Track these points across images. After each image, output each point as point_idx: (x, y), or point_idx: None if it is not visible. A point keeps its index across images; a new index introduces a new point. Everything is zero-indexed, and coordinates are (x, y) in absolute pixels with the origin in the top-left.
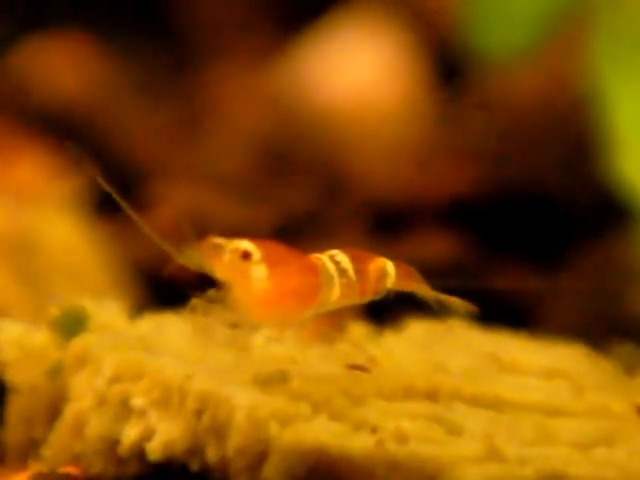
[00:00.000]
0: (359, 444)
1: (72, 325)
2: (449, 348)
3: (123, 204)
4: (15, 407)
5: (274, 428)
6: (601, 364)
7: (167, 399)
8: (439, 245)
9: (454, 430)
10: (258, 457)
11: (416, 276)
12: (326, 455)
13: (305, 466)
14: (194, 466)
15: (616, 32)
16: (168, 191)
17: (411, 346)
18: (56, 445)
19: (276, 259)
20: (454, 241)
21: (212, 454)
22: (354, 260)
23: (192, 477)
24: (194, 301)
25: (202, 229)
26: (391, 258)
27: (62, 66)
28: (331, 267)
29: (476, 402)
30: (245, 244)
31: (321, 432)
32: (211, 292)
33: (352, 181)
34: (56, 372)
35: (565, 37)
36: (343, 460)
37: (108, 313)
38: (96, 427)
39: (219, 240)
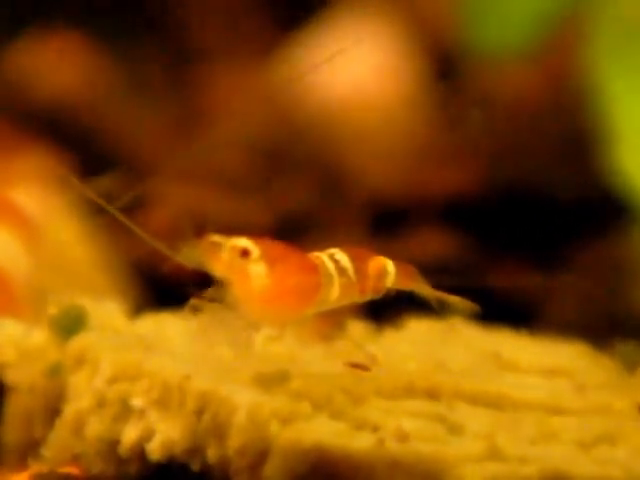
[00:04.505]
0: (360, 443)
1: (71, 325)
2: (450, 347)
3: (114, 211)
4: (14, 407)
5: (274, 427)
6: (602, 362)
7: (167, 399)
8: (439, 243)
9: (455, 429)
10: (259, 456)
11: (416, 275)
12: (327, 454)
13: (306, 465)
14: (195, 466)
15: (615, 27)
16: (165, 190)
17: (411, 345)
18: (56, 445)
19: (275, 257)
20: (454, 239)
21: (212, 454)
22: (354, 259)
23: (193, 477)
24: (193, 300)
25: (200, 227)
26: (391, 257)
27: (58, 65)
28: (330, 266)
29: (477, 401)
30: (244, 242)
31: (322, 431)
32: (210, 290)
33: (351, 180)
34: (55, 372)
35: (563, 33)
36: (344, 459)
37: (107, 313)
38: (96, 427)
39: (218, 238)
